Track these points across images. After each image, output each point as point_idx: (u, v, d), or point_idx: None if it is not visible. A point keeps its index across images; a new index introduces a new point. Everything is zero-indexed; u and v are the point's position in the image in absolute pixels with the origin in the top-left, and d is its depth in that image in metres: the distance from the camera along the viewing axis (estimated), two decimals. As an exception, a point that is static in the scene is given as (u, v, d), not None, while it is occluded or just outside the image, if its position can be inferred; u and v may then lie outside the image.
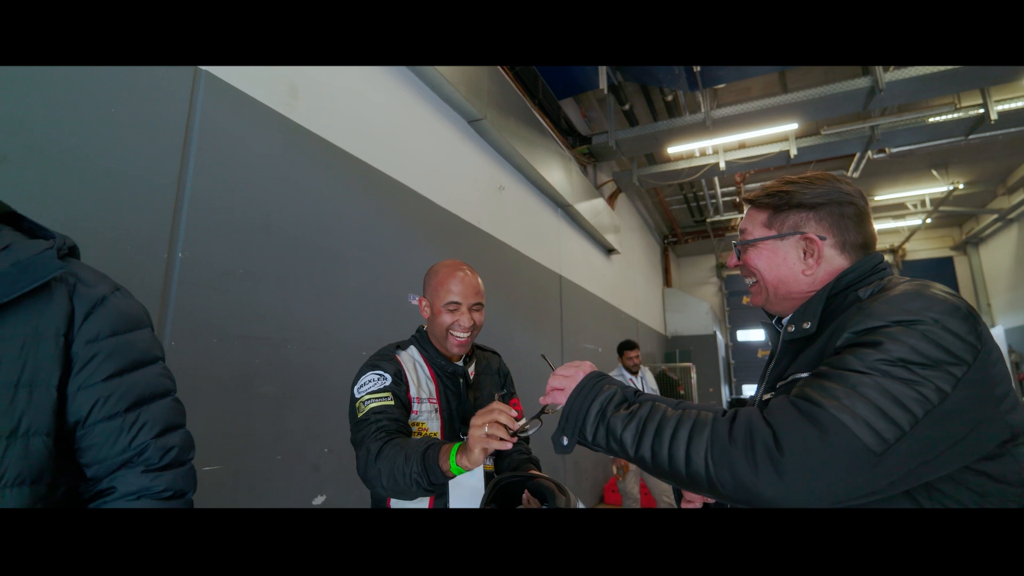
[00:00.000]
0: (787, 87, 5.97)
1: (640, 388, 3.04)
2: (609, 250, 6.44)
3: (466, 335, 1.26)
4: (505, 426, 0.92)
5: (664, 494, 3.55)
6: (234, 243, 1.71)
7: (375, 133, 2.45)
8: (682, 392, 7.82)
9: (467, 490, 1.14)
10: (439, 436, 1.23)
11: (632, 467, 3.62)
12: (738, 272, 0.98)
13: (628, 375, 3.86)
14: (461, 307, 1.25)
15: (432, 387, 1.29)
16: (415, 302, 2.61)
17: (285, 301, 1.88)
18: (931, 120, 5.65)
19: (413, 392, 1.25)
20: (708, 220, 10.22)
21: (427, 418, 1.25)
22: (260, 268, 1.79)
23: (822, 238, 0.79)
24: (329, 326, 2.05)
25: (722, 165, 6.19)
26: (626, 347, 3.91)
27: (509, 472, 1.20)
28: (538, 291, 4.24)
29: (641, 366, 3.94)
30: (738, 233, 0.89)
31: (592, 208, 5.47)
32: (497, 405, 0.95)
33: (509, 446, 0.92)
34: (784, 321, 0.81)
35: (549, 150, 4.40)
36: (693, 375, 8.28)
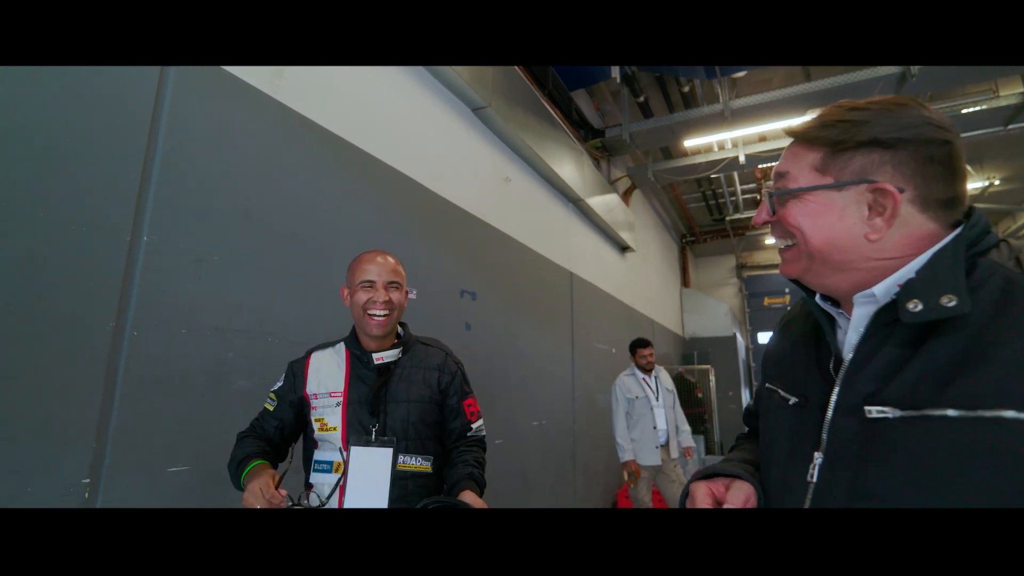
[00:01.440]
0: (811, 75, 5.71)
1: (655, 389, 2.87)
2: (623, 248, 6.25)
3: (383, 313, 1.25)
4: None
5: (677, 504, 3.35)
6: (208, 228, 1.60)
7: (369, 117, 2.33)
8: (700, 395, 7.57)
9: (368, 488, 1.18)
10: (339, 429, 1.24)
11: (644, 473, 3.44)
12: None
13: (641, 374, 3.68)
14: (376, 284, 1.26)
15: (342, 380, 1.28)
16: (412, 295, 2.48)
17: (265, 292, 1.76)
18: (965, 111, 5.34)
19: (311, 388, 1.29)
20: (727, 218, 9.94)
21: (327, 412, 1.26)
22: (238, 256, 1.68)
23: (900, 190, 0.56)
24: (314, 321, 1.93)
25: (741, 159, 5.95)
26: (638, 345, 3.73)
27: (435, 498, 1.15)
28: (547, 288, 4.08)
29: (656, 366, 3.75)
30: (772, 179, 0.67)
31: (605, 204, 5.29)
32: (257, 490, 1.02)
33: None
34: (899, 296, 0.54)
35: (559, 142, 4.25)
36: (712, 378, 8.02)
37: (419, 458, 1.26)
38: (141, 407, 1.38)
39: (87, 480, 1.26)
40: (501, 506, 3.10)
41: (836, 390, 0.58)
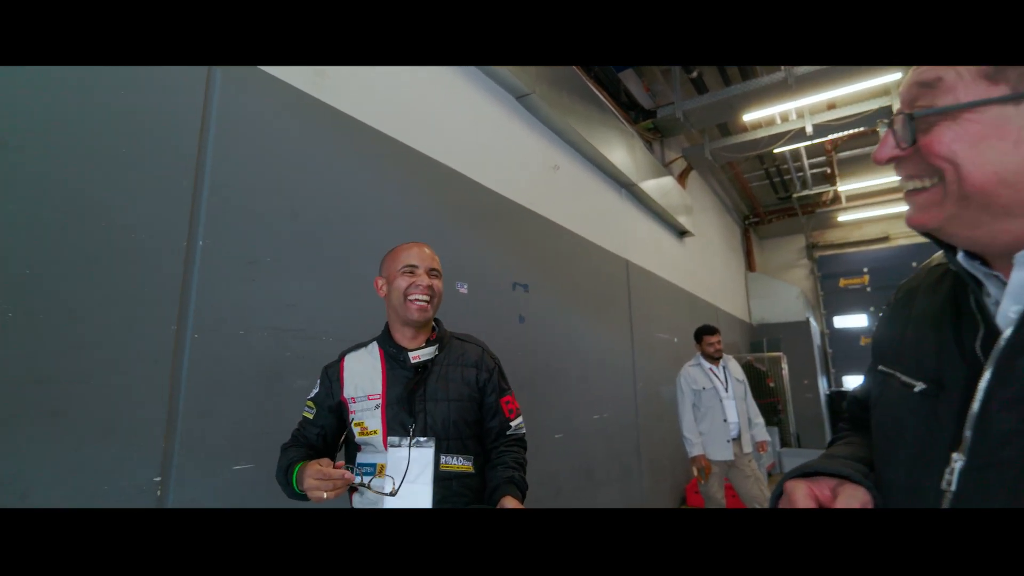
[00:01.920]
0: (886, 32, 5.18)
1: (723, 379, 2.68)
2: (682, 232, 5.98)
3: (425, 298, 1.22)
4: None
5: (755, 500, 3.14)
6: (259, 230, 1.62)
7: (412, 112, 2.31)
8: (772, 384, 7.14)
9: (410, 490, 1.15)
10: (379, 432, 1.19)
11: (715, 469, 3.24)
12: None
13: (707, 364, 3.47)
14: (418, 269, 1.24)
15: (379, 381, 1.24)
16: (463, 290, 2.45)
17: (317, 291, 1.77)
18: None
19: (348, 392, 1.25)
20: (794, 196, 9.31)
21: (365, 416, 1.22)
22: (289, 256, 1.70)
23: None
24: (365, 317, 1.92)
25: (808, 129, 5.51)
26: (705, 332, 3.52)
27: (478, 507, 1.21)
28: (602, 278, 3.95)
29: (725, 355, 3.53)
30: (912, 93, 0.49)
31: (660, 187, 5.07)
32: (316, 469, 1.04)
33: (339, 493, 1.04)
34: None
35: (608, 126, 4.09)
36: (784, 366, 7.55)
37: (460, 458, 1.21)
38: (205, 407, 1.42)
39: (158, 479, 1.30)
40: (565, 503, 3.02)
41: (987, 374, 0.44)
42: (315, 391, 1.30)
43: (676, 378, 3.54)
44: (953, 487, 0.45)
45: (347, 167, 1.95)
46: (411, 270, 1.23)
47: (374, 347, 1.31)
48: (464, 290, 2.46)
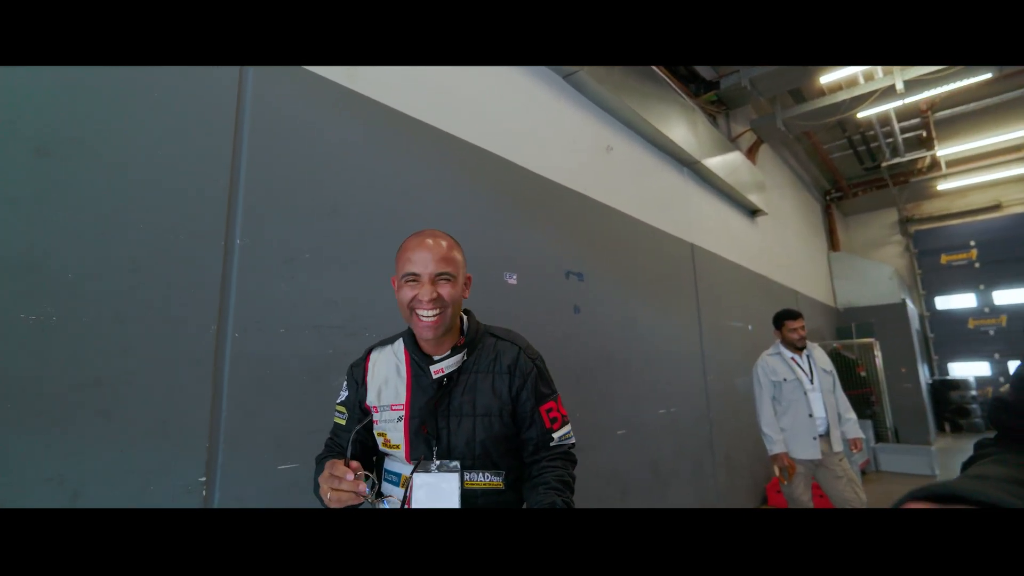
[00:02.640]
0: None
1: (807, 369, 2.39)
2: (753, 211, 5.54)
3: (432, 314, 1.05)
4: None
5: (848, 504, 2.81)
6: (297, 227, 1.59)
7: (451, 98, 2.22)
8: (863, 374, 6.49)
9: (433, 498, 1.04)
10: (402, 447, 1.09)
11: (800, 468, 2.93)
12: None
13: (789, 353, 3.15)
14: (420, 278, 1.05)
15: (403, 390, 1.12)
16: (512, 281, 2.34)
17: (358, 287, 1.73)
18: None
19: (372, 399, 1.15)
20: (883, 165, 8.41)
21: (389, 428, 1.10)
22: (328, 252, 1.66)
23: None
24: (411, 311, 1.87)
25: (899, 86, 4.90)
26: (786, 317, 3.18)
27: None
28: (665, 263, 3.70)
29: (809, 343, 3.19)
30: None
31: (727, 164, 4.70)
32: (339, 466, 0.93)
33: (356, 502, 0.94)
34: None
35: (666, 101, 3.82)
36: (877, 353, 6.85)
37: (488, 474, 1.09)
38: (248, 406, 1.40)
39: (203, 479, 1.30)
40: (633, 503, 2.85)
41: None
42: (344, 394, 1.20)
43: (752, 369, 3.25)
44: None
45: (386, 158, 1.90)
46: (413, 279, 1.06)
47: (400, 347, 1.18)
48: (513, 281, 2.35)
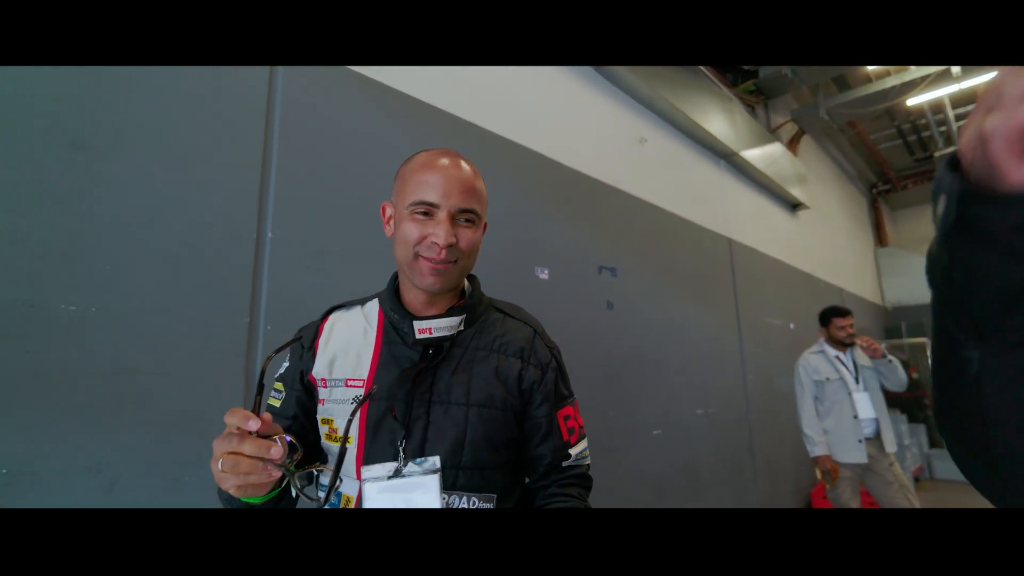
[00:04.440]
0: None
1: (851, 370, 2.25)
2: (794, 205, 5.32)
3: (443, 259, 0.76)
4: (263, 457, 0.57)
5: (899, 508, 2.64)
6: (327, 219, 1.59)
7: (479, 90, 2.20)
8: (915, 376, 6.15)
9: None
10: (354, 441, 0.76)
11: (845, 472, 2.78)
12: None
13: (833, 351, 2.99)
14: (437, 212, 0.76)
15: (367, 359, 0.80)
16: (544, 276, 2.29)
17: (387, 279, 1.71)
18: None
19: (320, 369, 0.81)
20: (936, 155, 7.94)
21: (338, 411, 0.77)
22: (358, 245, 1.66)
23: None
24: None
25: (956, 70, 4.61)
26: (834, 314, 3.02)
27: None
28: (701, 258, 3.58)
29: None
30: None
31: (766, 156, 4.52)
32: (237, 414, 0.57)
33: (265, 480, 0.57)
34: None
35: (702, 90, 3.70)
36: (929, 354, 6.48)
37: (475, 498, 0.76)
38: (279, 399, 1.41)
39: (236, 470, 1.31)
40: (667, 504, 2.76)
41: None
42: (284, 365, 0.87)
43: (794, 367, 3.11)
44: None
45: (415, 150, 1.88)
46: (427, 210, 0.76)
47: (373, 307, 0.88)
48: (545, 275, 2.31)
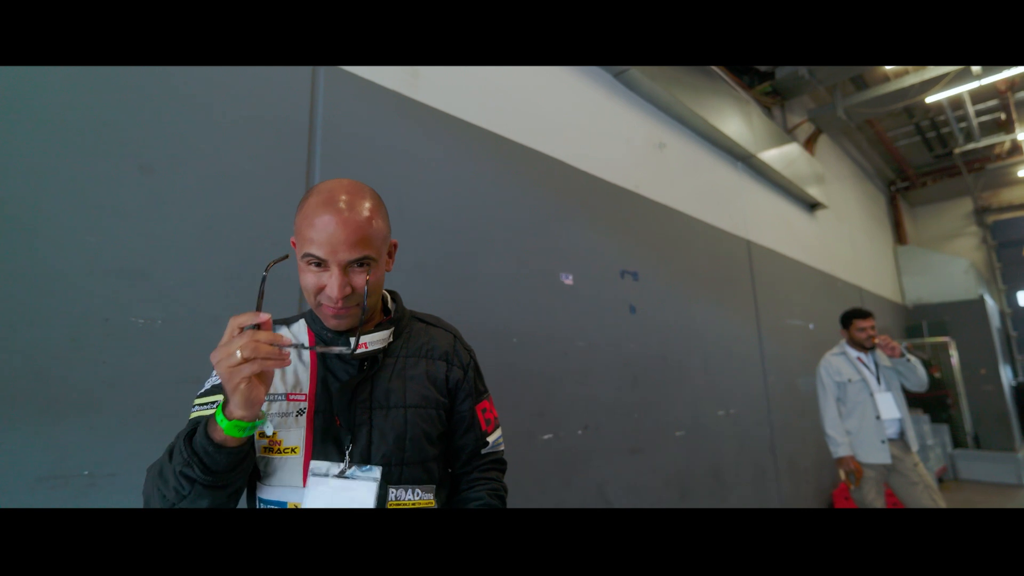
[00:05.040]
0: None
1: (873, 371, 2.26)
2: (812, 205, 5.31)
3: (339, 308, 0.79)
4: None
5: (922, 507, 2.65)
6: (367, 232, 1.67)
7: (505, 102, 2.26)
8: (938, 375, 6.09)
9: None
10: (300, 451, 0.79)
11: (870, 472, 2.79)
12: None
13: (855, 353, 3.01)
14: (329, 264, 0.77)
15: (305, 375, 0.84)
16: (568, 281, 2.35)
17: (424, 287, 1.79)
18: None
19: None
20: (956, 151, 7.84)
21: (281, 424, 0.80)
22: (395, 257, 1.73)
23: None
24: (471, 310, 1.92)
25: (976, 68, 4.58)
26: (856, 316, 3.02)
27: None
28: (721, 261, 3.61)
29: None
30: None
31: (784, 156, 4.53)
32: (244, 315, 0.66)
33: (286, 363, 0.66)
34: None
35: (719, 94, 3.73)
36: (953, 353, 6.41)
37: (418, 490, 0.85)
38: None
39: (289, 471, 1.38)
40: (693, 506, 2.80)
41: None
42: (213, 379, 0.85)
43: (816, 369, 3.12)
44: None
45: (446, 163, 1.96)
46: (319, 261, 0.77)
47: (301, 327, 0.91)
48: (569, 281, 2.36)
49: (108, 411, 1.15)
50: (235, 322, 0.66)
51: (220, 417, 0.66)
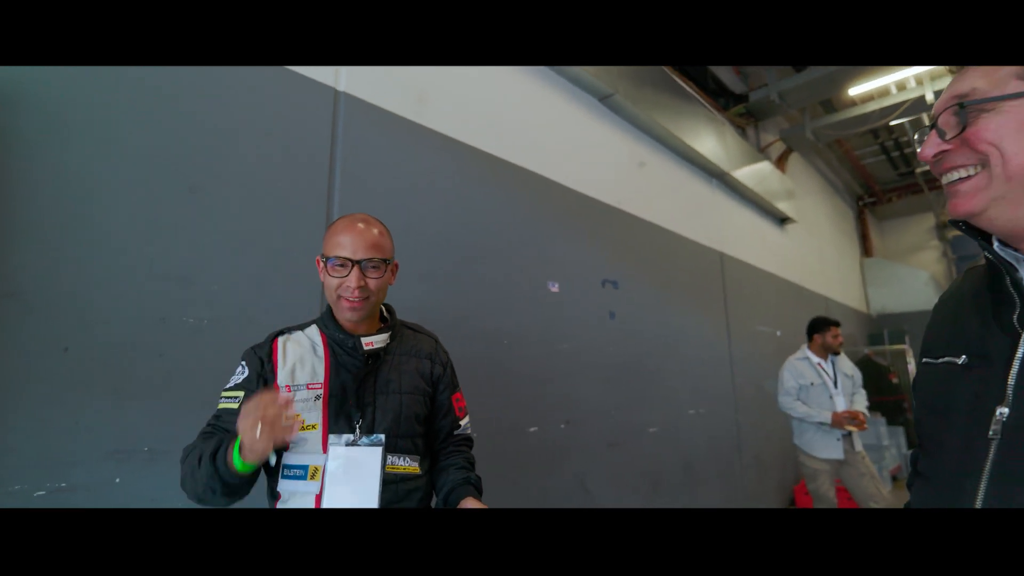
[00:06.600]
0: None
1: (832, 374, 2.55)
2: (782, 219, 5.65)
3: (358, 299, 1.04)
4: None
5: (871, 499, 2.95)
6: (379, 244, 1.88)
7: (503, 126, 2.49)
8: (896, 381, 6.49)
9: (353, 494, 0.99)
10: (319, 427, 1.04)
11: (825, 467, 3.09)
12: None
13: (816, 358, 3.29)
14: (348, 264, 1.03)
15: (320, 368, 1.09)
16: (555, 289, 2.59)
17: (429, 296, 2.00)
18: None
19: (283, 379, 1.07)
20: (918, 170, 8.34)
21: (303, 407, 1.04)
22: (404, 266, 1.94)
23: None
24: (468, 314, 2.14)
25: (929, 97, 4.97)
26: (833, 324, 3.30)
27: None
28: (695, 272, 3.89)
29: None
30: (948, 103, 0.58)
31: (756, 174, 4.85)
32: (263, 397, 0.85)
33: (290, 436, 0.88)
34: None
35: (695, 116, 4.02)
36: (910, 360, 6.82)
37: (408, 458, 1.10)
38: (343, 396, 1.69)
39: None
40: (664, 499, 3.05)
41: None
42: (242, 374, 1.08)
43: (780, 372, 3.41)
44: (998, 436, 0.53)
45: (450, 181, 2.17)
46: (342, 263, 1.04)
47: (314, 331, 1.16)
48: (556, 288, 2.60)
49: (164, 398, 1.34)
50: (263, 400, 0.85)
51: (236, 458, 0.88)
